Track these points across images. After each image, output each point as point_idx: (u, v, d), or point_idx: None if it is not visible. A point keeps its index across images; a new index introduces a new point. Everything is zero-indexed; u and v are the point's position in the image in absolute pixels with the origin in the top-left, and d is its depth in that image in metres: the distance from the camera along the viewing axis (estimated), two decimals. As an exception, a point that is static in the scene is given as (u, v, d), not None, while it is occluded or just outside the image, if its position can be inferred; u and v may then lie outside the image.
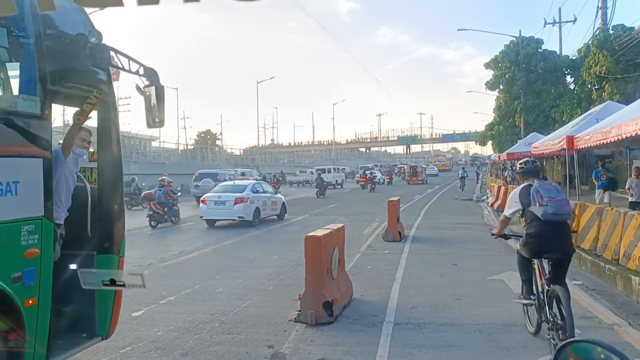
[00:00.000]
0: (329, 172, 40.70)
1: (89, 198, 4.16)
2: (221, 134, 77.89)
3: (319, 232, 5.90)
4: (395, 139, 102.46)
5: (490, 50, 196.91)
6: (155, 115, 4.07)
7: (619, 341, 4.82)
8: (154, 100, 4.04)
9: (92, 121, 4.13)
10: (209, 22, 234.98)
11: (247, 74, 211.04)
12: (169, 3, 1.02)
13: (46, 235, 3.31)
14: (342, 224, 7.01)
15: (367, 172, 37.45)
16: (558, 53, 30.09)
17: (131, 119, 52.02)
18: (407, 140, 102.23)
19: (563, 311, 4.26)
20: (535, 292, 4.88)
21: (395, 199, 13.04)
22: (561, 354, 1.40)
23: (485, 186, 30.72)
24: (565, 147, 11.77)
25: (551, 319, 4.43)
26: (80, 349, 3.89)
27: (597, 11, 23.75)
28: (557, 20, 30.05)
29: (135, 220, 15.69)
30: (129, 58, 3.93)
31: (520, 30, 38.85)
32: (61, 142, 3.94)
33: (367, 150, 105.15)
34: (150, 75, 4.05)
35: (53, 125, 3.65)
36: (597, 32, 22.94)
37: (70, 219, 3.93)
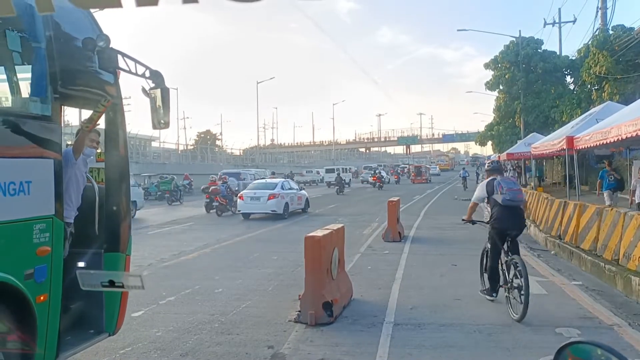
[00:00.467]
0: (341, 171, 42.83)
1: (97, 197, 4.27)
2: (221, 134, 78.10)
3: (319, 233, 5.89)
4: (395, 139, 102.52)
5: (490, 50, 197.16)
6: (160, 116, 4.17)
7: (619, 342, 4.82)
8: (159, 102, 4.13)
9: (100, 122, 4.19)
10: (209, 22, 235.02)
11: (247, 74, 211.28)
12: (168, 3, 1.02)
13: (57, 234, 3.42)
14: (342, 224, 7.01)
15: (377, 171, 42.18)
16: (558, 53, 30.08)
17: (131, 119, 51.63)
18: (407, 141, 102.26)
19: (520, 274, 5.54)
20: (496, 278, 6.08)
21: (395, 199, 13.04)
22: (560, 355, 1.39)
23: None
24: (565, 147, 11.79)
25: (509, 281, 5.81)
26: (88, 344, 3.98)
27: (597, 11, 23.75)
28: (557, 21, 30.07)
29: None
30: (136, 61, 4.03)
31: (520, 31, 38.76)
32: (70, 142, 4.03)
33: (367, 151, 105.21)
34: (156, 77, 4.14)
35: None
36: (596, 33, 22.93)
37: (78, 218, 4.03)
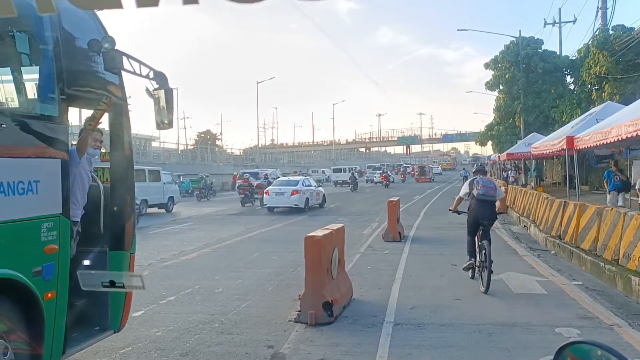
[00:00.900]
0: (344, 171, 44.87)
1: (102, 197, 4.34)
2: (221, 134, 78.05)
3: (319, 233, 5.89)
4: (395, 139, 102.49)
5: (490, 50, 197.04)
6: (164, 117, 4.26)
7: (618, 342, 4.82)
8: (162, 103, 4.22)
9: (104, 122, 4.27)
10: (209, 23, 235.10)
11: (247, 74, 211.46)
12: (168, 4, 1.01)
13: (64, 232, 3.50)
14: (342, 224, 7.01)
15: (385, 171, 45.47)
16: (558, 53, 30.07)
17: (131, 119, 51.82)
18: (407, 141, 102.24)
19: (487, 256, 6.93)
20: (473, 252, 7.42)
21: (395, 199, 13.04)
22: (560, 355, 1.39)
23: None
24: (565, 147, 11.79)
25: (480, 261, 7.20)
26: (93, 341, 4.06)
27: (597, 11, 23.76)
28: (557, 21, 30.08)
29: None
30: (140, 62, 4.10)
31: (520, 31, 38.79)
32: (74, 142, 4.07)
33: (367, 151, 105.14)
34: (160, 78, 4.22)
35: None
36: (597, 33, 22.94)
37: (83, 217, 4.09)
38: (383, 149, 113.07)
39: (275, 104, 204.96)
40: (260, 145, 68.73)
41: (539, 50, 29.94)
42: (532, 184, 22.76)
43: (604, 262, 7.77)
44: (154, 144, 47.78)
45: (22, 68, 3.52)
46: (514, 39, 30.34)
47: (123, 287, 3.51)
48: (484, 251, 7.05)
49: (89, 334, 4.04)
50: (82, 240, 4.05)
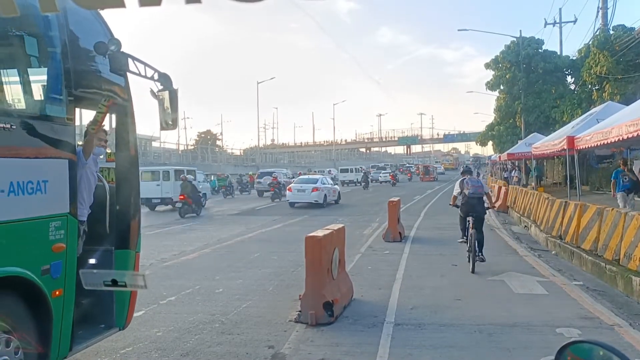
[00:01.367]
0: (351, 172, 46.61)
1: (107, 196, 4.41)
2: (221, 134, 78.01)
3: (319, 233, 5.89)
4: (396, 139, 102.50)
5: (491, 50, 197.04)
6: (168, 118, 4.31)
7: (619, 342, 4.82)
8: (167, 104, 4.28)
9: (109, 122, 4.41)
10: (209, 22, 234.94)
11: (248, 74, 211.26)
12: (170, 3, 1.02)
13: (71, 231, 3.57)
14: (343, 225, 7.00)
15: (392, 171, 48.88)
16: (558, 53, 30.06)
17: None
18: (408, 141, 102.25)
19: (476, 244, 8.28)
20: (466, 235, 8.72)
21: (396, 199, 13.04)
22: (561, 354, 1.40)
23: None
24: (565, 147, 11.79)
25: (470, 248, 8.39)
26: (99, 338, 4.13)
27: (598, 11, 23.77)
28: (558, 21, 30.13)
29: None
30: (145, 64, 4.17)
31: (520, 31, 38.83)
32: (80, 143, 4.13)
33: (367, 151, 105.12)
34: (164, 80, 4.28)
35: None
36: (597, 33, 22.93)
37: (89, 216, 4.15)
38: (383, 149, 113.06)
39: (275, 104, 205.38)
40: (260, 146, 68.76)
41: (540, 51, 29.92)
42: (533, 184, 22.76)
43: (605, 262, 7.77)
44: (155, 144, 47.83)
45: (31, 70, 3.58)
46: (515, 39, 30.32)
47: (125, 286, 3.52)
48: (474, 242, 8.33)
49: (94, 332, 4.09)
50: (89, 239, 4.12)
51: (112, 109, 4.28)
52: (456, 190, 8.98)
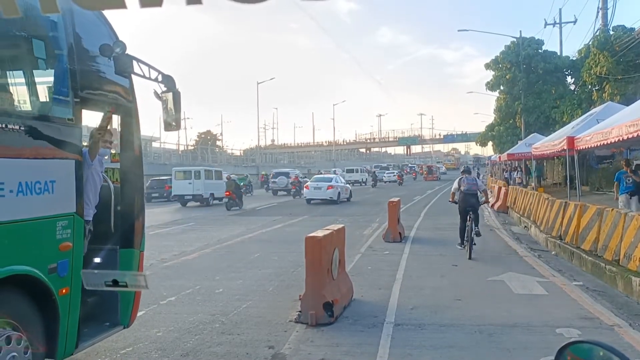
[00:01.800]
0: (357, 172, 47.79)
1: (112, 196, 4.49)
2: (221, 134, 77.98)
3: (319, 233, 5.89)
4: (396, 139, 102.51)
5: (491, 51, 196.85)
6: (172, 118, 4.42)
7: (619, 342, 4.82)
8: (170, 105, 4.38)
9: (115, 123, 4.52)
10: (209, 22, 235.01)
11: (248, 75, 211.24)
12: (171, 4, 1.02)
13: (77, 230, 3.65)
14: (343, 225, 7.01)
15: (400, 171, 51.25)
16: (558, 54, 30.04)
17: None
18: (408, 141, 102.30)
19: (470, 233, 9.63)
20: (463, 240, 9.99)
21: (396, 199, 13.04)
22: (561, 355, 1.40)
23: (486, 187, 30.68)
24: (565, 147, 11.79)
25: (466, 239, 9.72)
26: (104, 336, 4.20)
27: (598, 12, 23.76)
28: (558, 21, 30.10)
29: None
30: (149, 66, 4.25)
31: (520, 31, 38.80)
32: (86, 144, 4.20)
33: (367, 151, 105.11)
34: (168, 81, 4.37)
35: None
36: (597, 33, 22.93)
37: (95, 216, 4.22)
38: (383, 149, 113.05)
39: (275, 104, 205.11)
40: (260, 146, 68.75)
41: (540, 51, 29.90)
42: (533, 184, 22.76)
43: (605, 262, 7.77)
44: (155, 144, 47.82)
45: (38, 72, 3.65)
46: (515, 40, 30.30)
47: (126, 286, 3.53)
48: (471, 230, 9.70)
49: (99, 330, 4.16)
50: (94, 239, 4.17)
51: (117, 111, 4.34)
52: (454, 187, 10.27)
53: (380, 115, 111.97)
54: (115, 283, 3.45)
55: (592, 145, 10.28)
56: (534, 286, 7.23)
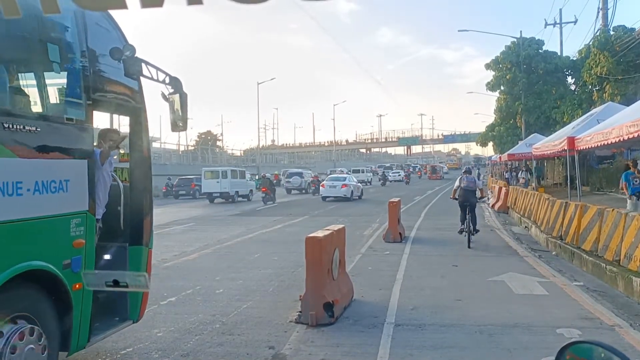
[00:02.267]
0: (362, 172, 48.51)
1: (122, 195, 4.61)
2: (222, 134, 77.95)
3: (320, 233, 5.89)
4: (396, 139, 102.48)
5: (491, 51, 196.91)
6: (179, 119, 4.56)
7: (620, 342, 4.82)
8: (177, 106, 4.52)
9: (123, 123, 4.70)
10: (210, 22, 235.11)
11: (248, 75, 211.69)
12: (172, 4, 1.02)
13: (90, 228, 3.81)
14: (343, 225, 7.00)
15: (407, 171, 54.19)
16: (559, 54, 30.02)
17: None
18: (408, 141, 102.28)
19: (469, 225, 10.98)
20: (464, 225, 11.25)
21: (396, 200, 13.04)
22: (562, 355, 1.40)
23: (486, 187, 30.69)
24: (566, 148, 11.78)
25: (466, 229, 11.06)
26: (114, 330, 4.35)
27: (598, 12, 23.73)
28: (558, 21, 30.06)
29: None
30: (157, 69, 4.36)
31: (521, 31, 38.81)
32: (96, 144, 4.34)
33: (368, 151, 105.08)
34: (175, 83, 4.50)
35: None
36: (597, 33, 22.90)
37: (104, 214, 4.35)
38: (384, 149, 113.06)
39: (275, 104, 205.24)
40: (260, 146, 68.75)
41: (540, 51, 29.88)
42: (534, 184, 22.76)
43: (605, 262, 7.77)
44: (155, 144, 47.75)
45: (53, 76, 3.78)
46: (515, 40, 30.28)
47: (127, 286, 3.55)
48: (469, 223, 11.00)
49: (110, 324, 4.29)
50: (104, 236, 4.29)
51: (127, 112, 4.51)
52: (456, 184, 11.61)
53: (380, 115, 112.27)
54: (116, 283, 3.47)
55: (593, 146, 10.27)
56: (534, 286, 7.22)
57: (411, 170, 63.71)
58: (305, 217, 18.53)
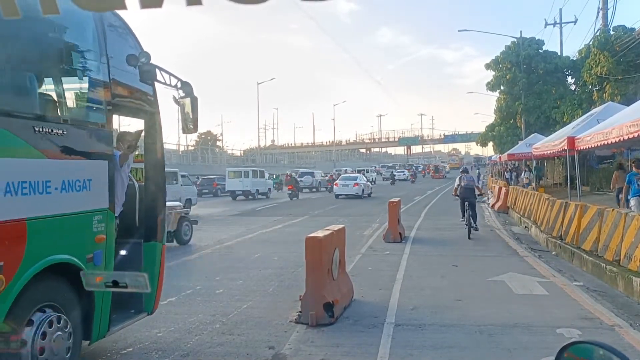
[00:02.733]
0: (367, 172, 49.54)
1: (137, 194, 4.91)
2: (222, 135, 77.97)
3: (320, 233, 5.89)
4: (396, 139, 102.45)
5: (491, 51, 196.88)
6: (189, 122, 4.79)
7: (620, 342, 4.82)
8: (188, 110, 4.75)
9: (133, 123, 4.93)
10: (209, 23, 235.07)
11: (248, 75, 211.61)
12: (171, 4, 1.03)
13: (109, 224, 4.06)
14: (343, 225, 7.00)
15: (413, 171, 56.88)
16: (559, 54, 30.03)
17: (131, 120, 51.87)
18: (408, 141, 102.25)
19: (468, 218, 12.15)
20: (465, 216, 12.56)
21: (396, 200, 13.04)
22: (562, 355, 1.40)
23: (486, 187, 30.69)
24: (566, 148, 11.79)
25: (466, 222, 12.17)
26: (131, 322, 4.62)
27: (598, 12, 23.71)
28: (558, 21, 30.05)
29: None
30: (170, 74, 4.59)
31: (521, 31, 38.82)
32: (115, 146, 4.56)
33: (368, 151, 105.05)
34: (186, 88, 4.71)
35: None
36: (597, 33, 22.90)
37: (121, 212, 4.59)
38: (384, 149, 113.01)
39: (275, 104, 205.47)
40: (260, 146, 68.74)
41: (540, 51, 29.89)
42: (533, 184, 22.76)
43: (605, 262, 7.76)
44: (155, 144, 47.78)
45: (76, 82, 4.04)
46: (515, 40, 30.29)
47: (126, 287, 3.55)
48: (469, 217, 12.11)
49: (126, 316, 4.53)
50: (120, 233, 4.51)
51: (142, 116, 4.75)
52: (456, 183, 13.20)
53: (380, 115, 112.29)
54: (115, 284, 3.48)
55: (593, 146, 10.27)
56: (534, 286, 7.22)
57: (414, 169, 64.75)
58: (305, 217, 18.52)
